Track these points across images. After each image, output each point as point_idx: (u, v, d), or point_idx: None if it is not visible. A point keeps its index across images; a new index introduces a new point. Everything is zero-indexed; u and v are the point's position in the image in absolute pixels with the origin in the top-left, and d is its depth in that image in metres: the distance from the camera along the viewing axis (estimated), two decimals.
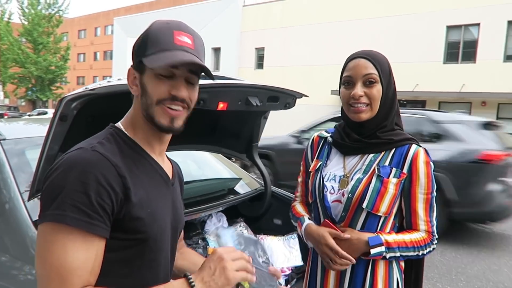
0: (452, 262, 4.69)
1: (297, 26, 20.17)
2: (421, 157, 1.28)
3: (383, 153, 1.32)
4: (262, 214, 2.62)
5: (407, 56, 16.65)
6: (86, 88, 1.48)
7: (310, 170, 1.46)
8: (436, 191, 1.32)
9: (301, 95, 2.08)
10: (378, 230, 1.30)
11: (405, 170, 1.28)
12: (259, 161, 2.57)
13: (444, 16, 15.96)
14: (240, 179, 2.74)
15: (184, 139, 2.15)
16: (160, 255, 0.95)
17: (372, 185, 1.27)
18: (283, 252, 2.35)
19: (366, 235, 1.26)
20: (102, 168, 0.82)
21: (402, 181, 1.28)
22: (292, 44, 20.35)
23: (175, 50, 0.90)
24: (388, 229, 1.32)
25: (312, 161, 1.49)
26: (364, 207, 1.27)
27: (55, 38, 29.75)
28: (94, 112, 1.53)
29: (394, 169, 1.28)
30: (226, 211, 2.66)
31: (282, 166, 6.98)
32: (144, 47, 0.91)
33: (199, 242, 2.34)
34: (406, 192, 1.30)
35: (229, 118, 2.21)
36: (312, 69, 19.57)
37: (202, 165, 3.05)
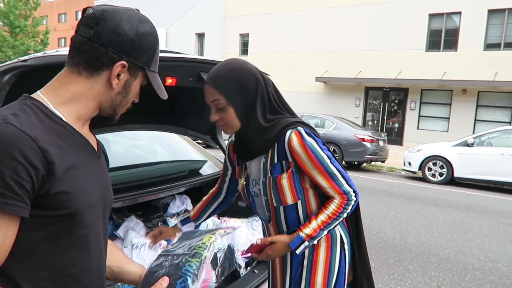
0: (425, 245, 4.74)
1: (281, 12, 19.95)
2: (294, 142, 1.31)
3: (270, 151, 1.37)
4: None
5: (390, 44, 16.66)
6: (18, 59, 1.38)
7: (237, 177, 1.58)
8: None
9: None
10: (301, 213, 1.41)
11: (290, 159, 1.34)
12: (223, 143, 2.51)
13: (427, 4, 15.97)
14: (205, 161, 2.68)
15: (138, 118, 2.08)
16: (90, 231, 0.90)
17: (271, 186, 1.37)
18: (246, 235, 2.31)
19: (287, 239, 1.38)
20: (18, 143, 0.73)
21: (293, 170, 1.35)
22: (276, 30, 20.15)
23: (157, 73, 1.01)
24: (312, 203, 1.42)
25: (233, 166, 1.63)
26: (275, 205, 1.40)
27: (33, 21, 28.79)
28: (31, 87, 1.44)
29: (283, 162, 1.35)
30: (191, 194, 2.60)
31: None
32: (150, 57, 0.94)
33: (159, 224, 2.29)
34: (304, 173, 1.36)
35: (187, 96, 2.13)
36: (296, 56, 19.45)
37: (167, 147, 2.97)
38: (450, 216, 6.20)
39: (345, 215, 1.38)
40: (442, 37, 15.96)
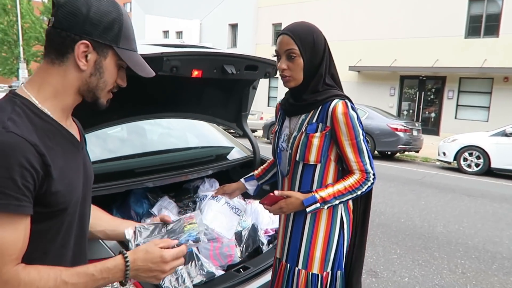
0: (453, 234, 4.74)
1: (314, 1, 19.76)
2: (339, 109, 1.43)
3: (312, 112, 1.51)
4: None
5: (427, 31, 16.14)
6: None
7: (271, 133, 1.64)
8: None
9: None
10: (317, 177, 1.52)
11: (328, 123, 1.46)
12: (248, 130, 2.67)
13: None
14: (232, 147, 2.86)
15: (169, 107, 2.28)
16: (74, 216, 0.99)
17: (301, 141, 1.49)
18: (269, 215, 2.47)
19: (302, 197, 1.48)
20: (23, 150, 0.80)
21: (327, 134, 1.47)
22: (309, 19, 19.54)
23: (137, 52, 1.02)
24: (330, 174, 1.53)
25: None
26: (297, 159, 1.51)
27: None
28: None
29: (320, 124, 1.48)
30: (219, 177, 2.79)
31: None
32: (117, 34, 0.94)
33: (190, 204, 2.49)
34: (335, 141, 1.48)
35: (214, 87, 2.31)
36: (329, 44, 19.22)
37: (199, 135, 3.17)
38: (483, 206, 6.10)
39: (359, 192, 1.48)
40: (483, 23, 15.29)
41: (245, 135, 2.66)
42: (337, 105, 1.44)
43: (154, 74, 1.04)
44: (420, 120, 16.36)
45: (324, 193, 1.46)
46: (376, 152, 10.55)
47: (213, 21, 24.23)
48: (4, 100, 0.90)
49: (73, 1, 0.90)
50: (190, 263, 1.88)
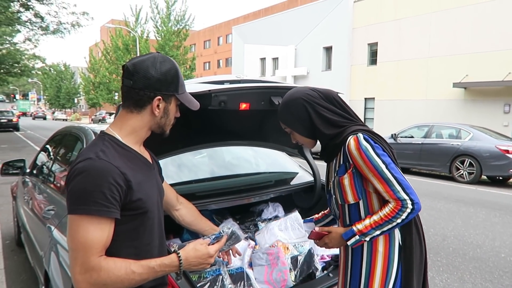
0: None
1: (412, 17, 18.87)
2: (352, 146, 1.47)
3: (338, 155, 1.58)
4: (313, 205, 2.78)
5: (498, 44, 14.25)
6: None
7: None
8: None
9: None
10: (363, 213, 1.55)
11: (350, 161, 1.51)
12: (309, 156, 2.74)
13: None
14: (296, 173, 2.95)
15: (232, 136, 2.47)
16: (154, 220, 1.33)
17: (336, 184, 1.58)
18: None
19: (341, 231, 1.58)
20: (110, 171, 1.14)
21: (353, 171, 1.51)
22: (408, 36, 19.12)
23: (186, 92, 1.37)
24: (375, 205, 1.54)
25: None
26: (340, 203, 1.59)
27: (183, 50, 33.14)
28: None
29: (347, 164, 1.53)
30: (283, 202, 2.89)
31: None
32: (177, 84, 1.29)
33: (251, 227, 2.63)
34: (364, 176, 1.50)
35: (273, 115, 2.44)
36: (430, 61, 18.11)
37: (268, 160, 3.32)
38: None
39: (399, 221, 1.45)
40: None
41: (306, 160, 2.72)
42: (349, 142, 1.47)
43: (199, 106, 1.37)
44: None
45: (361, 225, 1.51)
46: (484, 176, 9.51)
47: (307, 46, 24.62)
48: (97, 138, 1.29)
49: (145, 68, 1.23)
50: (239, 283, 2.00)
